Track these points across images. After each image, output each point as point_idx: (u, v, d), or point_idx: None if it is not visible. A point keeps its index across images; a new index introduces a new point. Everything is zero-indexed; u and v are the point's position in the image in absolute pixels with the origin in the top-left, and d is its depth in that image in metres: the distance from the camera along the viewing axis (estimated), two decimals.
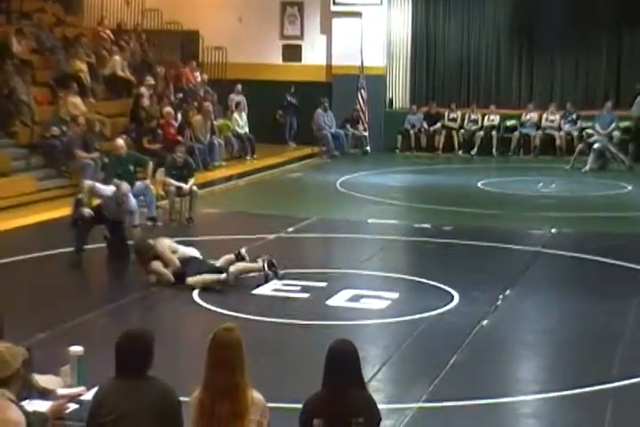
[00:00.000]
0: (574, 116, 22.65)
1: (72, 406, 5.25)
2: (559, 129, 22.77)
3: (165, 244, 10.83)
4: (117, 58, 20.72)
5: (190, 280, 10.50)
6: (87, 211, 11.65)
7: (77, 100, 18.26)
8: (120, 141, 14.93)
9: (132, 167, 14.53)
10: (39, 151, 17.08)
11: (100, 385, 4.91)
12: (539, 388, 7.81)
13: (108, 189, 11.85)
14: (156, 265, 10.63)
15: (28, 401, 5.10)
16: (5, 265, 11.50)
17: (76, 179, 16.42)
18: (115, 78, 20.69)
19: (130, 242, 11.69)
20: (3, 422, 4.47)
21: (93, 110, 18.59)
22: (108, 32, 22.19)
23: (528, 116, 23.30)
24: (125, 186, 11.95)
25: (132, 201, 11.97)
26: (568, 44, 23.40)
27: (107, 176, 14.72)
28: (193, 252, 10.94)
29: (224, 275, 10.52)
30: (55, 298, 10.74)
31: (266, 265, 10.75)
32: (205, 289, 10.43)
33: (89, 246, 12.15)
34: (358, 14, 23.66)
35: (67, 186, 16.38)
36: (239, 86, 22.79)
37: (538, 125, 23.20)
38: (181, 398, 4.83)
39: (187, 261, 10.67)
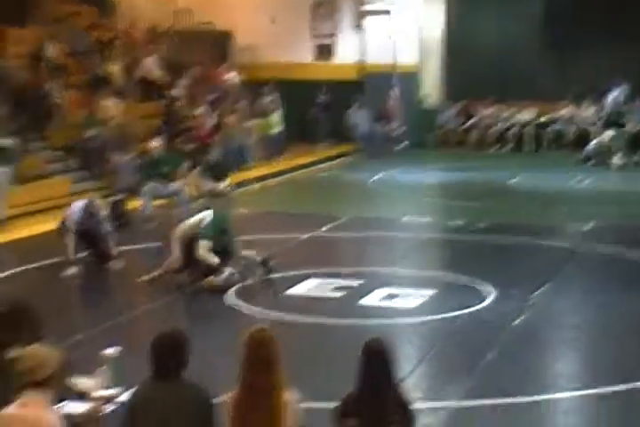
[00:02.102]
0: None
1: (108, 408, 5.27)
2: (593, 124, 22.58)
3: (180, 230, 10.85)
4: (150, 59, 20.83)
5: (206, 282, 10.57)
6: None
7: (111, 102, 18.38)
8: (154, 143, 15.03)
9: (165, 169, 14.63)
10: (73, 154, 17.21)
11: (136, 387, 4.94)
12: (577, 384, 7.77)
13: (77, 206, 11.68)
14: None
15: (64, 403, 5.14)
16: (43, 268, 11.60)
17: (110, 181, 16.54)
18: (148, 80, 20.80)
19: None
20: (39, 423, 4.51)
21: (127, 112, 18.70)
22: (142, 34, 22.30)
23: (562, 112, 23.17)
24: (98, 202, 11.88)
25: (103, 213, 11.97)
26: (603, 37, 23.14)
27: (142, 178, 14.81)
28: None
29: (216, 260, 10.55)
30: (91, 300, 10.84)
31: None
32: (227, 288, 10.49)
33: (125, 248, 12.26)
34: (390, 11, 23.60)
35: (101, 188, 16.47)
36: (269, 87, 22.80)
37: (572, 121, 23.06)
38: (216, 399, 4.84)
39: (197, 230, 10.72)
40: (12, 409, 4.54)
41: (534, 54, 24.27)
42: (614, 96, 22.02)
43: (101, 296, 11.05)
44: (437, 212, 16.02)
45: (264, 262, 10.96)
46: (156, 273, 10.89)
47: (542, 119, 23.44)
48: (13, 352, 4.96)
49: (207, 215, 10.84)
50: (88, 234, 11.56)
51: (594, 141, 20.96)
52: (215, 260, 10.58)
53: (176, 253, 10.76)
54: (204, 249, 10.58)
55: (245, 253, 11.00)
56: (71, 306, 10.54)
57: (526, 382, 7.83)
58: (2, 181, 13.85)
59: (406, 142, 23.48)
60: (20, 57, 18.23)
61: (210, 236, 10.61)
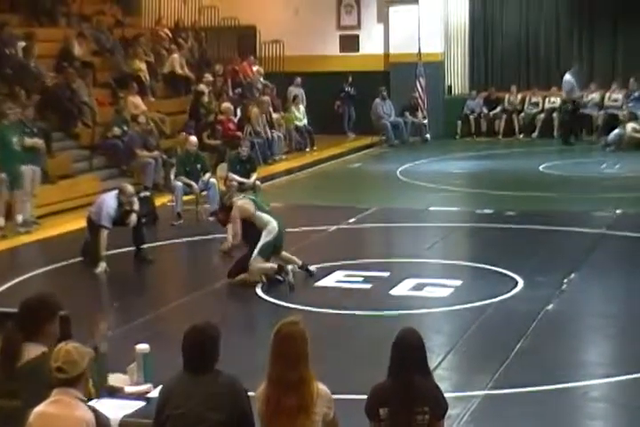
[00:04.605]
0: (637, 94, 22.29)
1: (139, 404, 5.31)
2: (621, 108, 22.39)
3: (241, 210, 10.61)
4: (176, 56, 20.90)
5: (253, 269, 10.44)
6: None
7: (137, 99, 18.45)
8: (194, 139, 15.06)
9: (199, 166, 14.65)
10: (101, 152, 17.27)
11: (167, 380, 4.95)
12: (607, 371, 7.75)
13: (110, 201, 11.63)
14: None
15: (96, 400, 5.18)
16: (72, 265, 11.68)
17: (137, 178, 16.61)
18: (174, 76, 20.87)
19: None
20: (73, 421, 4.55)
21: (153, 109, 18.77)
22: (167, 31, 22.38)
23: (590, 97, 23.01)
24: (130, 188, 11.84)
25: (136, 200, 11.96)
26: (630, 19, 22.95)
27: (176, 174, 14.72)
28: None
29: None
30: (122, 296, 10.90)
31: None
32: (269, 280, 10.45)
33: (152, 245, 12.33)
34: (415, 1, 23.52)
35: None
36: (298, 79, 22.85)
37: (600, 105, 22.91)
38: (250, 393, 4.85)
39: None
40: (43, 407, 4.58)
41: (559, 40, 24.14)
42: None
43: (132, 292, 11.10)
44: (465, 201, 15.99)
45: (304, 267, 10.76)
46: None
47: (569, 105, 23.26)
48: (43, 349, 4.99)
49: (273, 227, 10.46)
50: (122, 224, 11.60)
51: (615, 131, 20.89)
52: (269, 266, 10.51)
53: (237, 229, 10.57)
54: (257, 266, 10.42)
55: (287, 256, 10.83)
56: (102, 303, 10.61)
57: (556, 369, 7.80)
58: (31, 180, 13.93)
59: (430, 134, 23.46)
60: (48, 56, 18.33)
61: (267, 256, 10.49)
